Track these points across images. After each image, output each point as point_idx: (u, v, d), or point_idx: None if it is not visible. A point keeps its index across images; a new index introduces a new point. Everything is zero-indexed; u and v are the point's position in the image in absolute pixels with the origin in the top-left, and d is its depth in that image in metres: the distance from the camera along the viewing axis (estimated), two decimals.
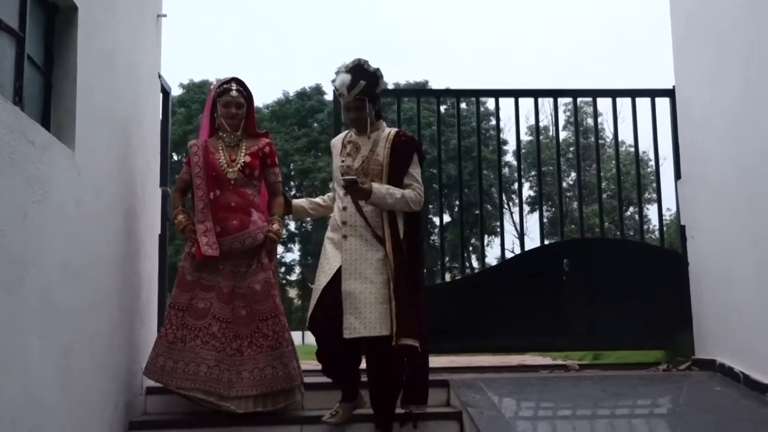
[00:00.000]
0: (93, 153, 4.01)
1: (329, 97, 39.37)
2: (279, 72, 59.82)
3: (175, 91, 36.33)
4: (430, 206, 29.79)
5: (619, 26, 60.74)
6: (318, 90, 40.06)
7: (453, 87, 35.39)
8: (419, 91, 14.86)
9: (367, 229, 4.41)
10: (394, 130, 4.65)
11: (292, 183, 38.76)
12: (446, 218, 34.03)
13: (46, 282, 3.30)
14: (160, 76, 5.81)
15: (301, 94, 39.89)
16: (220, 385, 4.50)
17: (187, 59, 48.32)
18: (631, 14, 56.28)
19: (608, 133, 29.25)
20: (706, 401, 4.88)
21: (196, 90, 38.14)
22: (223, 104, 4.71)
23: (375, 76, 4.50)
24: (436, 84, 36.75)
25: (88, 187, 3.94)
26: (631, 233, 24.76)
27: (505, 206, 33.09)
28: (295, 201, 4.93)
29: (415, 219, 4.57)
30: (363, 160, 4.50)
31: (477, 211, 29.10)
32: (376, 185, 4.37)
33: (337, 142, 4.75)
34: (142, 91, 5.23)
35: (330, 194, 4.83)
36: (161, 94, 5.92)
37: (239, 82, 4.78)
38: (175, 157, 34.61)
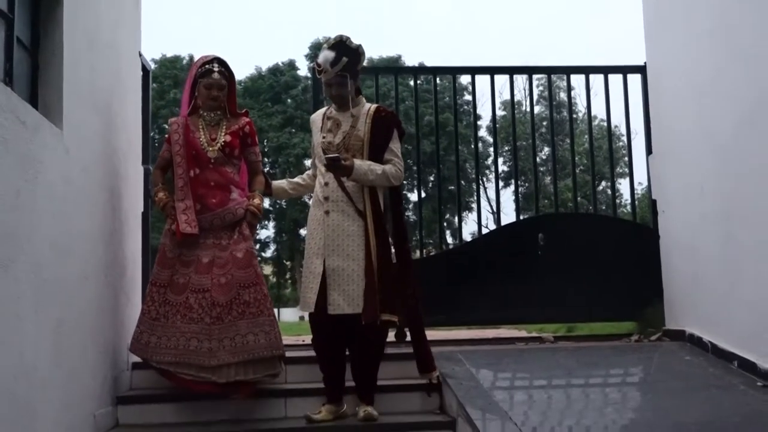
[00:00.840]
0: (79, 132, 4.08)
1: (303, 72, 39.37)
2: (252, 47, 59.61)
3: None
4: (405, 182, 29.87)
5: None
6: (291, 65, 39.85)
7: (425, 61, 35.50)
8: (397, 69, 14.94)
9: (350, 204, 4.48)
10: (374, 105, 4.72)
11: (266, 159, 38.57)
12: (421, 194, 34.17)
13: (39, 258, 3.39)
14: (140, 55, 5.85)
15: (275, 70, 39.65)
16: (200, 355, 4.45)
17: (159, 34, 47.92)
18: None
19: (582, 108, 29.55)
20: (676, 369, 5.05)
21: (168, 65, 37.85)
22: (205, 86, 4.70)
23: (357, 52, 4.57)
24: (409, 59, 36.84)
25: (76, 165, 4.01)
26: (604, 207, 25.08)
27: (480, 182, 33.29)
28: (275, 182, 4.96)
29: (396, 193, 4.69)
30: (344, 135, 4.56)
31: (452, 187, 29.29)
32: (357, 161, 4.45)
33: (316, 118, 4.79)
34: (123, 69, 5.27)
35: (309, 172, 4.89)
36: (141, 73, 5.95)
37: (221, 62, 4.77)
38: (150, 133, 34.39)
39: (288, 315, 35.97)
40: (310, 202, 4.69)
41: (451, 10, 62.34)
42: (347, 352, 4.62)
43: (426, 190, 34.11)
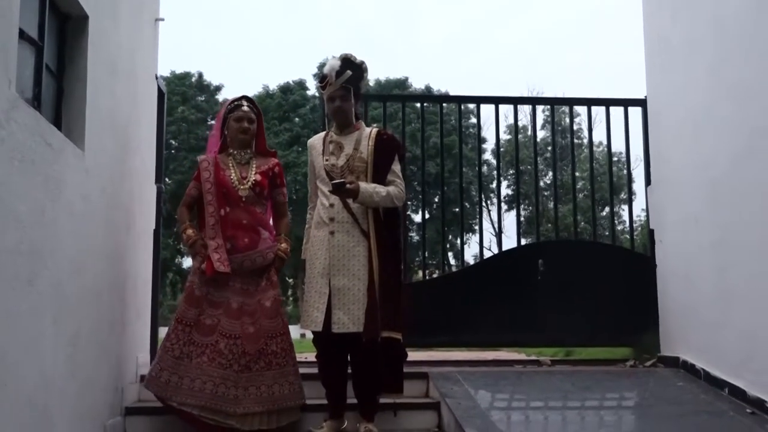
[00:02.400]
0: (99, 153, 4.27)
1: (312, 92, 39.72)
2: (259, 66, 59.94)
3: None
4: (409, 203, 29.98)
5: (598, 20, 61.45)
6: (301, 85, 40.15)
7: (431, 83, 35.75)
8: (404, 97, 15.19)
9: (354, 225, 4.58)
10: (375, 129, 4.84)
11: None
12: (425, 216, 34.32)
13: (59, 274, 3.58)
14: (156, 78, 6.05)
15: (284, 89, 39.96)
16: (226, 402, 4.42)
17: (169, 50, 48.24)
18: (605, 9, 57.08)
19: (586, 133, 29.71)
20: (668, 395, 5.19)
21: (177, 82, 38.16)
22: (236, 119, 4.75)
23: (361, 68, 4.70)
24: (415, 80, 37.12)
25: (94, 185, 4.21)
26: (606, 233, 25.16)
27: (484, 204, 33.45)
28: (305, 247, 4.88)
29: (395, 214, 4.78)
30: (347, 158, 4.66)
31: (456, 209, 29.46)
32: (363, 184, 4.54)
33: (316, 142, 4.86)
34: (140, 92, 5.47)
35: (309, 207, 4.90)
36: (157, 94, 6.15)
37: (249, 100, 4.87)
38: None
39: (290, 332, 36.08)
40: (311, 223, 4.79)
41: (459, 31, 62.79)
42: (349, 371, 4.73)
43: (430, 212, 34.25)
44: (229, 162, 4.76)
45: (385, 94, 21.95)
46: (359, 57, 4.72)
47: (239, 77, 56.62)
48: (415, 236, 30.31)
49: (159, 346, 4.69)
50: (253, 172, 4.74)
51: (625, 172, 8.30)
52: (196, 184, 4.75)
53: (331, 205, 4.62)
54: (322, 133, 4.93)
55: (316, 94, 39.28)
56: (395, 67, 66.66)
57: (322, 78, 4.74)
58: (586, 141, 30.70)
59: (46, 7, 3.72)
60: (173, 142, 35.42)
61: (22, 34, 3.34)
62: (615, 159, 9.13)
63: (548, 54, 56.97)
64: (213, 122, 4.52)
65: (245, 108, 4.79)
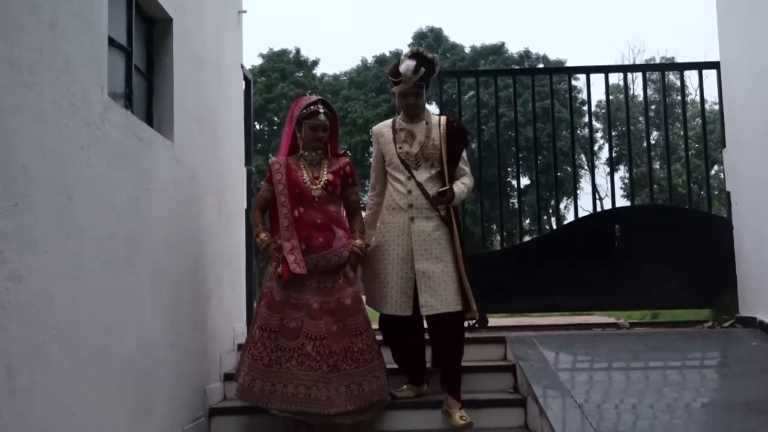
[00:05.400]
0: (187, 143, 4.70)
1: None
2: (357, 38, 60.30)
3: (255, 61, 36.88)
4: (509, 169, 29.97)
5: None
6: (397, 55, 40.30)
7: (530, 46, 35.49)
8: (477, 72, 15.47)
9: (432, 211, 4.72)
10: (443, 116, 4.97)
11: (371, 149, 39.24)
12: (525, 181, 34.29)
13: (154, 255, 4.02)
14: (242, 67, 6.46)
15: (380, 60, 40.25)
16: (320, 404, 4.44)
17: (266, 28, 49.15)
18: None
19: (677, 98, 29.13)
20: (740, 354, 5.32)
21: (275, 59, 38.89)
22: (311, 127, 4.70)
23: (433, 63, 4.81)
24: (512, 45, 36.78)
25: (185, 172, 4.64)
26: (702, 194, 24.64)
27: (585, 167, 33.05)
28: (368, 232, 4.99)
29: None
30: (420, 146, 4.79)
31: (558, 174, 29.27)
32: (454, 188, 4.73)
33: (384, 130, 4.96)
34: (225, 82, 5.89)
35: (375, 190, 5.03)
36: (243, 83, 6.57)
37: (325, 104, 4.81)
38: (257, 126, 35.58)
39: None
40: (384, 209, 4.90)
41: None
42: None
43: (530, 177, 34.12)
44: (301, 163, 4.75)
45: (459, 70, 22.20)
46: (430, 53, 4.84)
47: (335, 51, 57.10)
48: (514, 203, 30.30)
49: (242, 353, 4.77)
50: (325, 172, 4.73)
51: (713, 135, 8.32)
52: (268, 186, 4.77)
53: (409, 192, 4.75)
54: (388, 121, 5.04)
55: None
56: (490, 33, 65.76)
57: (395, 74, 4.82)
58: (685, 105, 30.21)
59: (133, 15, 4.14)
60: (275, 119, 36.20)
61: (112, 42, 3.75)
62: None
63: (647, 11, 55.23)
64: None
65: (321, 117, 4.72)
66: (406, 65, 4.74)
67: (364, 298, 4.88)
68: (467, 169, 4.94)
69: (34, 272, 2.70)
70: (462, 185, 4.81)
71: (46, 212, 2.83)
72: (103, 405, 3.30)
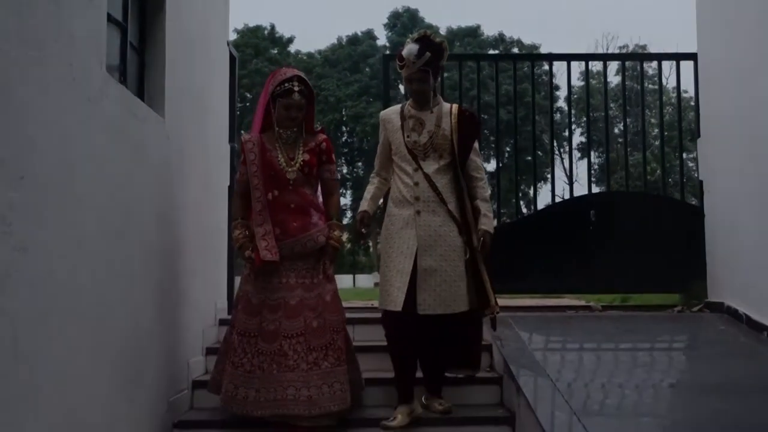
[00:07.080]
0: (177, 119, 4.75)
1: (381, 41, 39.88)
2: (332, 16, 60.08)
3: (230, 36, 36.85)
4: (482, 153, 30.16)
5: None
6: (369, 35, 40.35)
7: (504, 29, 35.53)
8: (479, 56, 15.58)
9: (440, 205, 4.46)
10: (455, 105, 4.70)
11: (344, 128, 39.34)
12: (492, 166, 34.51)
13: (146, 228, 4.09)
14: (228, 44, 6.50)
15: (353, 39, 40.23)
16: (298, 404, 4.26)
17: (241, 3, 48.73)
18: None
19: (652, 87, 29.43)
20: (708, 338, 5.51)
21: (250, 35, 38.76)
22: (284, 106, 4.43)
23: (440, 47, 4.52)
24: (487, 27, 36.91)
25: (175, 148, 4.70)
26: (672, 183, 25.04)
27: (557, 153, 33.38)
28: (368, 208, 4.72)
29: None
30: (430, 135, 4.52)
31: (529, 158, 29.54)
32: (484, 220, 4.49)
33: (393, 116, 4.68)
34: (213, 59, 5.93)
35: (379, 177, 4.80)
36: (229, 60, 6.61)
37: (301, 80, 4.50)
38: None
39: (362, 281, 37.11)
40: (390, 201, 4.63)
41: None
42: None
43: (502, 161, 34.34)
44: (276, 143, 4.51)
45: (460, 53, 22.32)
46: (438, 37, 4.59)
47: (310, 28, 56.84)
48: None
49: (220, 357, 4.65)
50: (301, 152, 4.51)
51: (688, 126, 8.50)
52: (244, 170, 4.53)
53: (416, 184, 4.49)
54: (397, 107, 4.76)
55: (386, 44, 39.45)
56: (465, 14, 65.93)
57: (400, 58, 4.54)
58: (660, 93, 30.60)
59: None
60: (248, 95, 36.11)
61: (109, 18, 3.79)
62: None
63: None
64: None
65: (296, 96, 4.42)
66: (409, 49, 4.48)
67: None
68: (479, 161, 4.69)
69: (38, 243, 2.77)
70: (483, 204, 4.55)
71: (50, 185, 2.89)
72: (98, 375, 3.38)
